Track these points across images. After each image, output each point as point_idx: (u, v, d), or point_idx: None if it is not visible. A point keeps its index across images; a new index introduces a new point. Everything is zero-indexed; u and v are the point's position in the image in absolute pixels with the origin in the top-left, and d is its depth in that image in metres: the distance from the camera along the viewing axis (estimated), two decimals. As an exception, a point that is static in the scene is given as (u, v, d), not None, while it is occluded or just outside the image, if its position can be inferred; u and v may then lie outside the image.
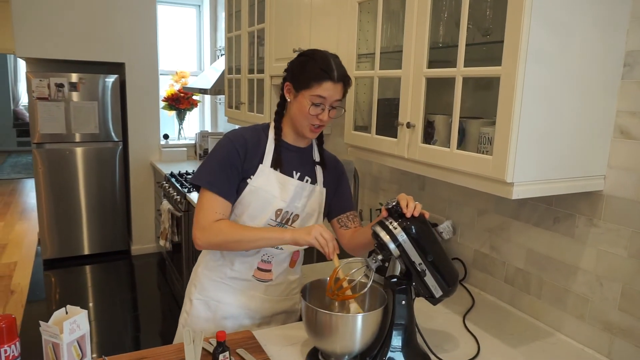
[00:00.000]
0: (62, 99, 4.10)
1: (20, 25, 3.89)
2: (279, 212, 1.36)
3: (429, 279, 1.18)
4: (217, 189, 1.32)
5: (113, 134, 4.34)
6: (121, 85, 4.37)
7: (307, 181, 1.40)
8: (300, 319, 1.49)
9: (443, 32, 1.43)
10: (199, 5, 4.97)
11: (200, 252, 1.54)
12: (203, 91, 3.72)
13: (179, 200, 3.37)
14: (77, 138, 4.23)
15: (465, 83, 1.31)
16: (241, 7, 2.75)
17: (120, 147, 4.40)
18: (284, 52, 2.25)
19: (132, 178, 4.51)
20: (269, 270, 1.43)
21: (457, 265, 1.79)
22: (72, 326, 1.00)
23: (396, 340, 1.20)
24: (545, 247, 1.46)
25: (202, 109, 5.22)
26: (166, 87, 4.76)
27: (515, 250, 1.57)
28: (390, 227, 1.16)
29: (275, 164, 1.35)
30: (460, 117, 1.26)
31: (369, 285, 1.20)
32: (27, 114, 4.39)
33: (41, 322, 1.00)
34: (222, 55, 4.03)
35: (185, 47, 5.03)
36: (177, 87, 4.70)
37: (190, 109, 4.79)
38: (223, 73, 3.34)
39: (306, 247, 1.41)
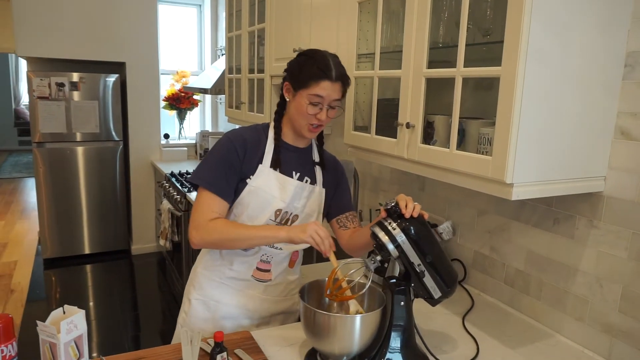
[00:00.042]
0: (63, 98, 4.10)
1: (21, 25, 3.89)
2: (278, 212, 1.36)
3: (428, 280, 1.18)
4: (215, 188, 1.31)
5: (114, 133, 4.34)
6: (122, 85, 4.37)
7: (306, 181, 1.40)
8: (299, 320, 1.48)
9: (443, 32, 1.43)
10: (200, 5, 4.97)
11: (199, 251, 1.54)
12: (203, 91, 3.72)
13: (179, 199, 3.37)
14: (78, 137, 4.23)
15: (466, 83, 1.31)
16: (241, 7, 2.74)
17: (121, 146, 4.40)
18: (284, 51, 2.24)
19: (132, 177, 4.50)
20: (268, 271, 1.42)
21: (457, 266, 1.78)
22: (69, 326, 1.00)
23: (395, 342, 1.20)
24: (545, 248, 1.46)
25: (203, 109, 5.22)
26: (167, 86, 4.76)
27: (515, 251, 1.56)
28: (389, 227, 1.15)
29: (275, 164, 1.35)
30: (460, 118, 1.25)
31: (367, 286, 1.19)
32: (28, 113, 4.39)
33: (38, 322, 1.00)
34: (222, 54, 4.03)
35: (186, 46, 5.03)
36: (177, 86, 4.70)
37: (190, 109, 4.79)
38: (223, 73, 3.34)
39: (305, 246, 1.41)
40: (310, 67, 1.28)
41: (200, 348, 1.21)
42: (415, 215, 1.14)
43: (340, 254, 1.84)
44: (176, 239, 3.53)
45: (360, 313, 1.19)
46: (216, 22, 4.82)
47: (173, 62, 4.93)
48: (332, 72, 1.27)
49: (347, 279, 1.21)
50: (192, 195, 3.16)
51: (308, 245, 1.31)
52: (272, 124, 1.40)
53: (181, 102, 4.63)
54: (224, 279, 1.43)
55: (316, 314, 1.13)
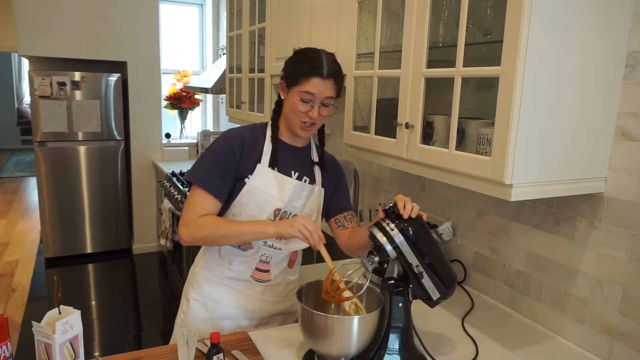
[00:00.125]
0: (64, 97, 4.11)
1: (23, 24, 3.89)
2: (277, 212, 1.35)
3: (426, 281, 1.17)
4: (209, 186, 1.31)
5: (115, 132, 4.34)
6: (123, 84, 4.37)
7: (305, 181, 1.39)
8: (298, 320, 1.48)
9: (443, 32, 1.42)
10: (202, 4, 4.97)
11: (198, 252, 1.54)
12: (204, 90, 3.72)
13: (179, 199, 3.37)
14: (79, 137, 4.24)
15: (467, 83, 1.30)
16: (242, 6, 2.74)
17: (122, 145, 4.40)
18: (285, 51, 2.23)
19: (133, 177, 4.51)
20: (268, 271, 1.42)
21: (457, 267, 1.77)
22: (64, 327, 1.00)
23: (393, 343, 1.19)
24: (545, 249, 1.45)
25: (204, 108, 5.22)
26: (168, 86, 4.76)
27: (515, 252, 1.55)
28: (387, 228, 1.15)
29: (273, 164, 1.34)
30: (459, 118, 1.24)
31: (365, 287, 1.18)
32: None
33: (34, 323, 0.99)
34: (224, 54, 4.03)
35: (188, 46, 5.03)
36: (179, 86, 4.69)
37: (192, 108, 4.78)
38: (224, 72, 3.33)
39: (305, 246, 1.40)
40: (302, 64, 1.28)
41: (197, 349, 1.21)
42: (414, 215, 1.14)
43: (339, 254, 1.84)
44: (177, 239, 3.53)
45: (359, 313, 1.19)
46: (218, 21, 4.81)
47: (175, 61, 4.93)
48: (323, 69, 1.26)
49: (344, 280, 1.21)
50: (193, 194, 3.15)
51: (307, 245, 1.30)
52: (269, 123, 1.40)
53: (182, 101, 4.63)
54: (222, 279, 1.42)
55: (313, 315, 1.13)
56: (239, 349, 1.24)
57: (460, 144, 1.32)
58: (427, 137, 1.41)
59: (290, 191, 1.35)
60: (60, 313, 1.04)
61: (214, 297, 1.43)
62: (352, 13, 1.63)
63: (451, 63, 1.22)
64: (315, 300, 1.25)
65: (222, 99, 4.78)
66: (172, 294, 3.80)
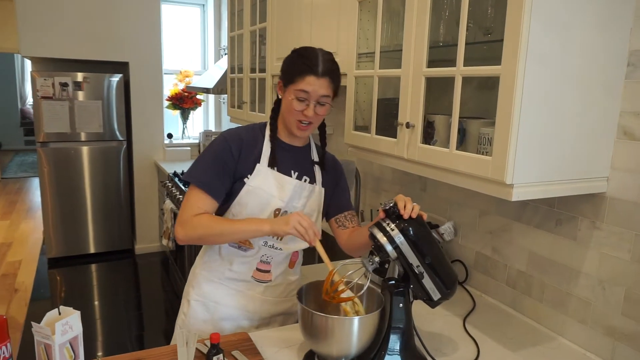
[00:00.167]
0: (67, 98, 4.12)
1: (25, 25, 3.90)
2: (277, 212, 1.35)
3: (427, 282, 1.16)
4: (206, 186, 1.31)
5: (117, 133, 4.35)
6: (125, 85, 4.38)
7: (305, 181, 1.39)
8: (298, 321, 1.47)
9: (444, 31, 1.41)
10: (203, 5, 4.97)
11: (198, 252, 1.54)
12: (206, 90, 3.72)
13: (181, 199, 3.37)
14: (82, 137, 4.25)
15: (469, 83, 1.29)
16: (243, 6, 2.74)
17: (125, 146, 4.41)
18: (285, 51, 2.21)
19: (136, 177, 4.52)
20: (268, 271, 1.41)
21: (459, 267, 1.77)
22: (64, 327, 0.99)
23: (394, 344, 1.19)
24: (547, 249, 1.44)
25: (206, 108, 5.22)
26: (170, 86, 4.76)
27: (517, 252, 1.54)
28: (388, 228, 1.14)
29: (272, 163, 1.34)
30: (460, 117, 1.24)
31: (365, 288, 1.18)
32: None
33: (33, 324, 0.99)
34: (225, 54, 4.03)
35: (190, 46, 5.03)
36: (181, 86, 4.70)
37: (194, 108, 4.79)
38: (226, 72, 3.33)
39: (305, 245, 1.40)
40: (298, 62, 1.28)
41: (197, 349, 1.20)
42: (414, 215, 1.13)
43: (340, 254, 1.83)
44: (179, 239, 3.53)
45: (359, 313, 1.18)
46: (219, 21, 4.81)
47: (176, 61, 4.94)
48: (318, 67, 1.26)
49: (345, 280, 1.20)
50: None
51: (308, 245, 1.30)
52: (268, 123, 1.40)
53: (184, 101, 4.63)
54: (223, 279, 1.42)
55: (314, 316, 1.12)
56: (239, 349, 1.23)
57: (461, 144, 1.31)
58: (428, 136, 1.40)
59: (290, 191, 1.35)
60: (60, 314, 1.04)
61: (214, 298, 1.43)
62: (352, 12, 1.63)
63: (452, 62, 1.22)
64: (316, 300, 1.25)
65: (224, 99, 4.78)
66: (175, 294, 3.80)
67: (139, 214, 4.59)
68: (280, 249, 1.38)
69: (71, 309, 1.04)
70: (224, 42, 4.65)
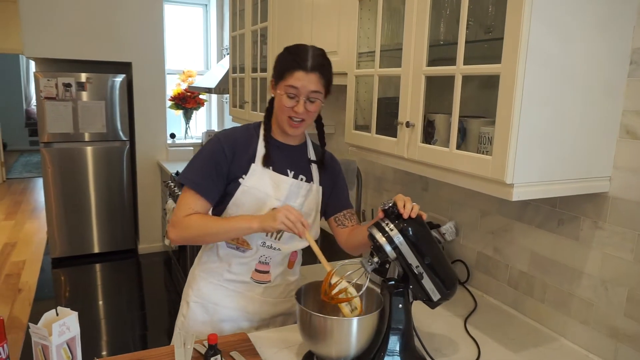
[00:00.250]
0: (70, 98, 4.13)
1: (28, 26, 3.92)
2: None
3: (427, 282, 1.15)
4: (199, 187, 1.31)
5: (121, 133, 4.36)
6: (128, 85, 4.38)
7: (301, 179, 1.38)
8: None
9: (445, 30, 1.40)
10: (206, 5, 4.98)
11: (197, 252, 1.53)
12: (207, 90, 3.72)
13: (184, 199, 3.37)
14: (85, 137, 4.26)
15: (470, 81, 1.28)
16: (245, 6, 2.73)
17: (128, 146, 4.42)
18: (287, 50, 2.22)
19: (139, 177, 4.52)
20: (267, 272, 1.40)
21: (460, 267, 1.75)
22: (61, 328, 0.99)
23: (393, 344, 1.18)
24: (549, 249, 1.43)
25: (209, 108, 5.23)
26: (173, 86, 4.77)
27: (518, 252, 1.53)
28: (387, 228, 1.13)
29: (266, 162, 1.33)
30: (461, 117, 1.23)
31: (364, 289, 1.17)
32: (37, 114, 4.43)
33: (30, 324, 0.99)
34: (227, 54, 4.02)
35: (192, 46, 5.03)
36: (183, 86, 4.70)
37: (196, 108, 4.79)
38: (228, 72, 3.33)
39: (304, 245, 1.39)
40: (286, 58, 1.28)
41: (196, 350, 1.20)
42: (414, 215, 1.12)
43: (339, 254, 1.83)
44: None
45: (359, 312, 1.17)
46: (222, 21, 4.82)
47: (179, 61, 4.94)
48: (306, 63, 1.25)
49: (343, 280, 1.19)
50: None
51: (307, 244, 1.29)
52: (262, 122, 1.39)
53: (187, 101, 4.64)
54: (222, 281, 1.41)
55: (312, 317, 1.12)
56: (237, 350, 1.23)
57: (462, 143, 1.30)
58: (428, 136, 1.39)
59: (286, 190, 1.34)
60: (57, 314, 1.04)
61: (213, 300, 1.42)
62: (352, 12, 1.62)
63: (453, 61, 1.21)
64: (315, 301, 1.24)
65: (226, 98, 4.78)
66: (177, 293, 3.81)
67: (142, 214, 4.60)
68: (279, 249, 1.37)
69: (69, 309, 1.04)
70: (227, 42, 4.65)
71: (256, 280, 1.41)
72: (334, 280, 1.17)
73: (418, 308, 1.31)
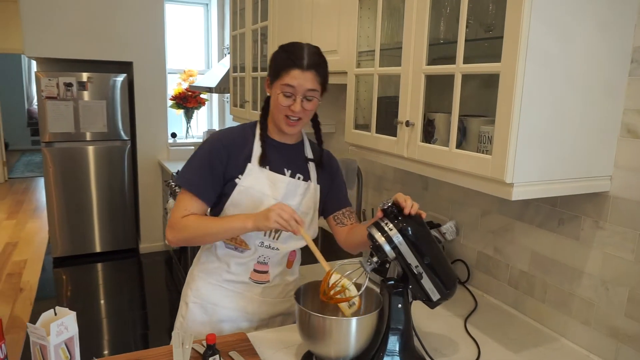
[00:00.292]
0: (71, 98, 4.13)
1: (29, 25, 3.92)
2: None
3: (426, 282, 1.15)
4: (195, 189, 1.30)
5: (122, 132, 4.36)
6: (129, 84, 4.38)
7: (299, 178, 1.38)
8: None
9: (445, 28, 1.40)
10: (207, 4, 4.98)
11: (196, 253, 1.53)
12: (208, 90, 3.72)
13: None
14: (86, 137, 4.26)
15: (471, 80, 1.28)
16: (245, 5, 2.73)
17: (129, 145, 4.42)
18: (287, 49, 2.22)
19: (140, 176, 4.53)
20: (266, 272, 1.40)
21: (460, 266, 1.75)
22: (59, 328, 0.99)
23: (392, 345, 1.17)
24: (549, 249, 1.42)
25: (210, 108, 5.23)
26: (174, 85, 4.77)
27: (519, 252, 1.52)
28: (386, 228, 1.13)
29: (263, 162, 1.33)
30: (461, 116, 1.22)
31: (363, 289, 1.16)
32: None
33: (28, 324, 0.99)
34: (228, 53, 4.02)
35: (193, 45, 5.03)
36: (185, 85, 4.70)
37: (197, 108, 4.79)
38: (228, 71, 3.33)
39: (302, 244, 1.39)
40: (282, 57, 1.27)
41: (194, 349, 1.20)
42: (414, 212, 1.11)
43: (340, 253, 1.82)
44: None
45: (357, 307, 1.17)
46: (223, 20, 4.81)
47: (180, 61, 4.94)
48: (302, 61, 1.24)
49: (342, 280, 1.19)
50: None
51: (305, 244, 1.28)
52: (258, 121, 1.38)
53: (188, 101, 4.64)
54: (221, 281, 1.41)
55: (311, 317, 1.11)
56: (236, 350, 1.22)
57: (462, 142, 1.29)
58: (428, 135, 1.39)
59: (283, 189, 1.34)
60: (56, 314, 1.04)
61: (212, 300, 1.42)
62: (352, 10, 1.62)
63: (454, 60, 1.20)
64: (314, 301, 1.23)
65: (227, 98, 4.78)
66: (178, 293, 3.81)
67: (143, 213, 4.60)
68: (277, 248, 1.37)
69: (67, 309, 1.03)
70: (227, 41, 4.65)
71: (255, 281, 1.40)
72: (333, 280, 1.17)
73: (418, 308, 1.30)
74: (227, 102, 4.83)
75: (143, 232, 4.62)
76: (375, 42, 1.51)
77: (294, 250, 1.43)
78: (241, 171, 1.32)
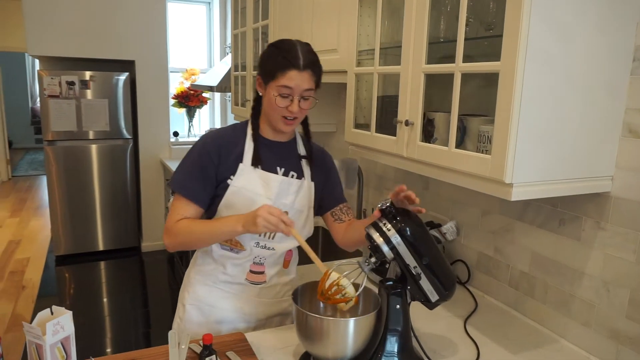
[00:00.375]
0: (73, 96, 4.14)
1: (31, 24, 3.93)
2: None
3: (425, 283, 1.14)
4: (188, 192, 1.30)
5: (124, 131, 4.37)
6: (132, 83, 4.39)
7: (292, 176, 1.36)
8: (295, 322, 1.45)
9: (445, 27, 1.39)
10: (209, 2, 4.97)
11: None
12: (210, 88, 3.71)
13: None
14: (89, 135, 4.27)
15: (473, 79, 1.27)
16: (246, 4, 2.73)
17: (131, 144, 4.42)
18: (287, 48, 2.21)
19: (142, 175, 4.53)
20: (262, 273, 1.39)
21: (461, 267, 1.74)
22: (55, 327, 0.99)
23: (391, 346, 1.17)
24: (550, 250, 1.41)
25: (212, 106, 5.23)
26: (176, 84, 4.77)
27: (519, 252, 1.51)
28: (384, 228, 1.12)
29: (255, 162, 1.32)
30: (461, 115, 1.21)
31: (361, 289, 1.16)
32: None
33: (24, 323, 0.99)
34: (230, 52, 4.02)
35: (196, 44, 5.03)
36: (187, 84, 4.71)
37: (200, 107, 4.79)
38: (230, 70, 3.33)
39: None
40: (276, 57, 1.24)
41: (191, 349, 1.19)
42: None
43: (338, 251, 1.81)
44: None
45: (355, 303, 1.16)
46: (225, 19, 4.81)
47: (182, 59, 4.94)
48: (299, 61, 1.22)
49: (341, 281, 1.18)
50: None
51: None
52: (249, 121, 1.37)
53: (190, 99, 4.64)
54: (217, 283, 1.40)
55: (308, 317, 1.11)
56: (234, 350, 1.22)
57: (462, 142, 1.28)
58: (428, 134, 1.38)
59: (276, 188, 1.33)
60: (52, 313, 1.04)
61: (209, 301, 1.41)
62: (353, 9, 1.61)
63: (454, 59, 1.19)
64: (312, 301, 1.23)
65: (229, 97, 4.78)
66: (180, 292, 3.81)
67: (145, 212, 4.61)
68: (273, 248, 1.36)
69: (63, 308, 1.03)
70: (230, 40, 4.64)
71: (251, 282, 1.40)
72: (330, 280, 1.16)
73: (417, 308, 1.29)
74: (229, 100, 4.83)
75: (145, 231, 4.63)
76: (375, 41, 1.50)
77: (291, 250, 1.42)
78: (233, 172, 1.31)
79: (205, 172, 1.30)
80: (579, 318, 1.33)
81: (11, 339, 3.04)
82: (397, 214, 1.12)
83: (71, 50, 4.08)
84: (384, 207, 1.14)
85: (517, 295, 1.53)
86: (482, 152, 1.18)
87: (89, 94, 4.18)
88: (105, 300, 3.66)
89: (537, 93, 1.04)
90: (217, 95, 5.09)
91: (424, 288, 1.14)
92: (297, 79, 1.23)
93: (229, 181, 1.31)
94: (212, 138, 1.34)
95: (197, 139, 4.87)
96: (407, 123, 1.34)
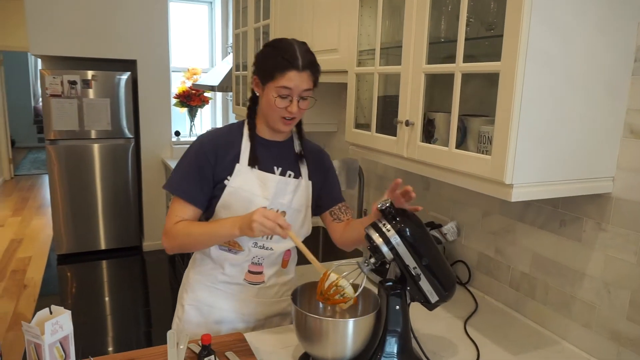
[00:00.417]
0: (75, 96, 4.15)
1: (34, 23, 3.94)
2: None
3: (424, 284, 1.14)
4: (185, 194, 1.30)
5: (126, 130, 4.37)
6: (133, 82, 4.39)
7: (289, 175, 1.36)
8: (294, 322, 1.45)
9: (446, 27, 1.38)
10: (211, 2, 4.97)
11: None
12: (211, 88, 3.71)
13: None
14: (91, 135, 4.28)
15: (474, 79, 1.26)
16: (248, 4, 2.72)
17: (133, 143, 4.43)
18: (288, 48, 2.21)
19: (143, 174, 4.54)
20: (260, 273, 1.39)
21: (461, 267, 1.73)
22: (54, 327, 0.99)
23: (390, 347, 1.16)
24: (551, 251, 1.40)
25: (214, 106, 5.23)
26: (178, 84, 4.78)
27: (520, 253, 1.51)
28: (384, 229, 1.12)
29: (252, 162, 1.32)
30: (462, 115, 1.21)
31: (360, 290, 1.15)
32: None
33: (23, 323, 0.99)
34: (232, 51, 4.02)
35: (197, 43, 5.03)
36: (188, 84, 4.71)
37: (201, 106, 4.79)
38: (231, 70, 3.33)
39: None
40: (275, 57, 1.23)
41: (190, 349, 1.19)
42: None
43: (338, 251, 1.81)
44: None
45: (355, 303, 1.16)
46: (227, 19, 4.81)
47: (184, 59, 4.95)
48: (297, 61, 1.22)
49: (340, 281, 1.18)
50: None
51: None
52: (246, 121, 1.37)
53: (192, 99, 4.64)
54: (216, 283, 1.40)
55: (307, 318, 1.10)
56: (233, 350, 1.22)
57: (462, 142, 1.28)
58: (428, 135, 1.37)
59: (273, 188, 1.32)
60: (51, 313, 1.04)
61: (208, 302, 1.41)
62: (353, 9, 1.60)
63: (455, 59, 1.18)
64: (311, 301, 1.23)
65: (231, 96, 4.78)
66: (181, 291, 3.82)
67: (146, 211, 4.61)
68: (271, 248, 1.36)
69: (62, 308, 1.03)
70: (231, 39, 4.64)
71: (250, 282, 1.39)
72: (330, 280, 1.15)
73: (417, 309, 1.29)
74: (231, 100, 4.83)
75: (147, 230, 4.64)
76: (375, 41, 1.50)
77: (289, 250, 1.42)
78: (230, 172, 1.31)
79: (202, 173, 1.30)
80: (580, 319, 1.32)
81: (13, 338, 3.05)
82: (396, 214, 1.12)
83: (73, 49, 4.09)
84: (383, 208, 1.13)
85: (517, 296, 1.52)
86: (483, 153, 1.17)
87: (91, 93, 4.19)
88: (106, 299, 3.66)
89: (537, 93, 1.04)
90: (219, 94, 5.09)
91: (424, 289, 1.14)
92: (296, 80, 1.22)
93: (225, 182, 1.30)
94: (208, 138, 1.33)
95: (198, 138, 4.81)
96: (407, 123, 1.34)
